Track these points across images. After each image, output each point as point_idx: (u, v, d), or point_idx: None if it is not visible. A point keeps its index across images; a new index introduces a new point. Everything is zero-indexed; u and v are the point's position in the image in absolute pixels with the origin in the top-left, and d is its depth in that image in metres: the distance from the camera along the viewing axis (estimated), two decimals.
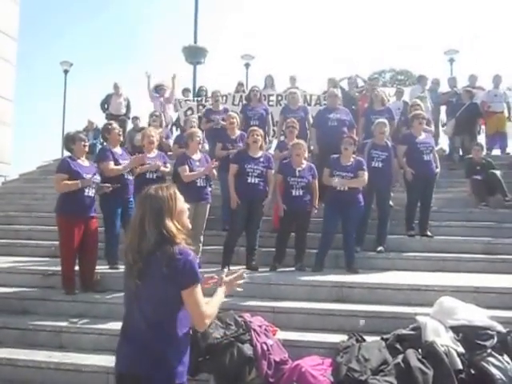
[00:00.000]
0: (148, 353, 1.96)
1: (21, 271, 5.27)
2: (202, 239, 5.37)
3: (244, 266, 5.26)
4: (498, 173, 6.99)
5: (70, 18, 50.24)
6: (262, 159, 5.38)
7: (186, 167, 5.32)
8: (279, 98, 8.70)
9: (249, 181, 5.25)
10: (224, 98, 8.59)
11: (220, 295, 2.17)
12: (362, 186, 5.28)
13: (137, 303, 2.00)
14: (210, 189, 5.57)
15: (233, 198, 5.30)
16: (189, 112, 8.45)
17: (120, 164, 5.22)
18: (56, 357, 3.93)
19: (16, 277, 5.18)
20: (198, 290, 1.99)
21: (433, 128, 7.71)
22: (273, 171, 5.47)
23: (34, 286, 5.01)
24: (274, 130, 8.36)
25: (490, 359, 3.45)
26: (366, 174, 5.29)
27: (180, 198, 2.08)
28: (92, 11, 48.71)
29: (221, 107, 7.54)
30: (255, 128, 5.66)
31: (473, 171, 7.13)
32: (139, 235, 1.98)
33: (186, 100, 9.15)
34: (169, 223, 1.98)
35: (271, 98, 8.75)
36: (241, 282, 2.29)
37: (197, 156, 5.50)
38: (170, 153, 6.94)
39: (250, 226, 5.35)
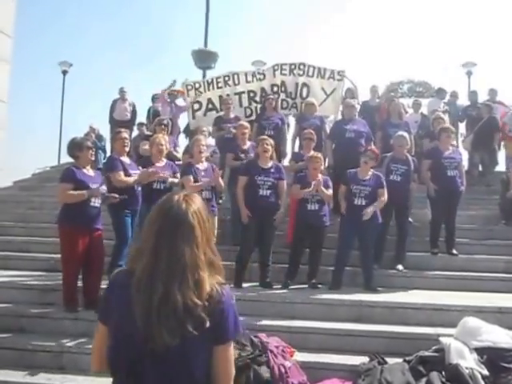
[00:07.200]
0: None
1: (17, 286, 5.23)
2: None
3: (257, 283, 5.36)
4: None
5: (73, 19, 50.65)
6: (272, 170, 5.42)
7: (191, 177, 5.33)
8: (292, 66, 8.30)
9: (260, 193, 5.28)
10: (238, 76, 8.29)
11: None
12: (383, 204, 5.38)
13: (163, 370, 1.52)
14: (220, 201, 5.61)
15: (243, 212, 5.31)
16: (196, 106, 8.28)
17: (129, 174, 5.24)
18: (56, 379, 3.90)
19: (12, 292, 5.13)
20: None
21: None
22: (284, 182, 5.52)
23: (32, 302, 4.97)
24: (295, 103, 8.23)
25: None
26: (385, 193, 5.40)
27: None
28: (96, 14, 49.18)
29: (232, 115, 7.57)
30: (265, 137, 5.73)
31: (507, 188, 7.24)
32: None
33: (194, 83, 8.46)
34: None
35: (284, 67, 8.31)
36: None
37: (203, 166, 5.50)
38: (178, 162, 6.98)
39: (263, 240, 5.38)
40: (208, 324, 1.49)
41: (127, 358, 1.53)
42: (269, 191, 5.32)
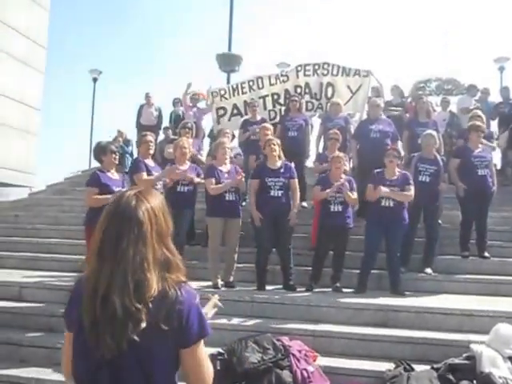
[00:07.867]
0: None
1: (48, 286, 5.36)
2: (235, 257, 5.42)
3: (281, 286, 5.30)
4: None
5: (101, 26, 52.13)
6: (282, 170, 5.35)
7: (213, 180, 5.34)
8: (316, 67, 8.17)
9: (271, 194, 5.23)
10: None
11: None
12: (408, 200, 5.23)
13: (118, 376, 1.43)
14: (244, 203, 5.58)
15: (255, 215, 5.23)
16: (221, 111, 8.26)
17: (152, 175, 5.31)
18: None
19: (43, 292, 5.27)
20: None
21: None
22: (296, 180, 5.45)
23: (61, 302, 4.94)
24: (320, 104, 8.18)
25: None
26: (412, 189, 5.25)
27: None
28: (124, 20, 50.49)
29: (258, 117, 7.55)
30: (271, 137, 5.71)
31: None
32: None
33: (219, 90, 8.40)
34: None
35: (307, 67, 8.19)
36: (213, 312, 1.84)
37: (226, 167, 5.50)
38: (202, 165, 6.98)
39: (279, 242, 5.30)
40: (164, 327, 1.39)
41: (86, 366, 1.45)
42: (280, 192, 5.25)
